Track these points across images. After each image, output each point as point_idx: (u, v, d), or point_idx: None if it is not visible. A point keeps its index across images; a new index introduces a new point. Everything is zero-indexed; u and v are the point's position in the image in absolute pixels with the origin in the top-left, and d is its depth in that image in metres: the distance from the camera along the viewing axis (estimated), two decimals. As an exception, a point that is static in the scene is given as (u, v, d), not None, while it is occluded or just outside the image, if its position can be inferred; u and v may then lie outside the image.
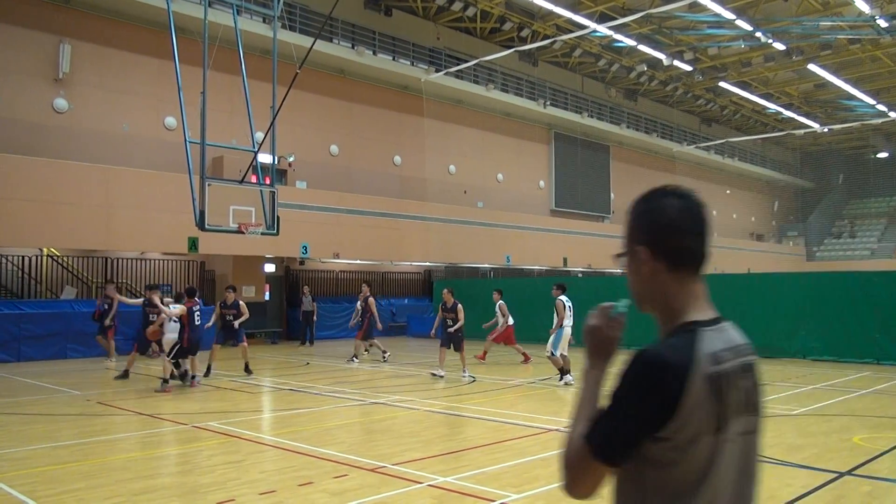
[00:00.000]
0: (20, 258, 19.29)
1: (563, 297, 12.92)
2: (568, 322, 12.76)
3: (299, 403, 11.27)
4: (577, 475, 1.65)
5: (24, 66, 19.39)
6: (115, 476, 6.67)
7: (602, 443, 1.61)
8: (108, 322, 16.52)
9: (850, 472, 6.61)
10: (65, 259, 20.41)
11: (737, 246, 44.06)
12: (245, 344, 14.60)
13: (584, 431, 1.64)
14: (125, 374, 13.83)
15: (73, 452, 7.76)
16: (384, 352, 17.41)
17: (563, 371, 12.72)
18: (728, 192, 48.02)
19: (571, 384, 12.41)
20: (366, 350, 17.92)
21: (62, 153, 19.33)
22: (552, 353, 12.71)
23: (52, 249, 19.89)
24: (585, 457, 1.63)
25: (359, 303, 17.33)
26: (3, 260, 19.30)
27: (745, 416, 1.68)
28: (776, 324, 17.52)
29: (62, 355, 17.40)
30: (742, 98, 40.01)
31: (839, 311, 16.67)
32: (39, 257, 19.80)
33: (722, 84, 37.27)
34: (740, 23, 27.47)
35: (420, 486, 6.19)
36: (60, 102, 19.87)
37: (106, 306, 16.50)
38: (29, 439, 8.42)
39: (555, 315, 12.85)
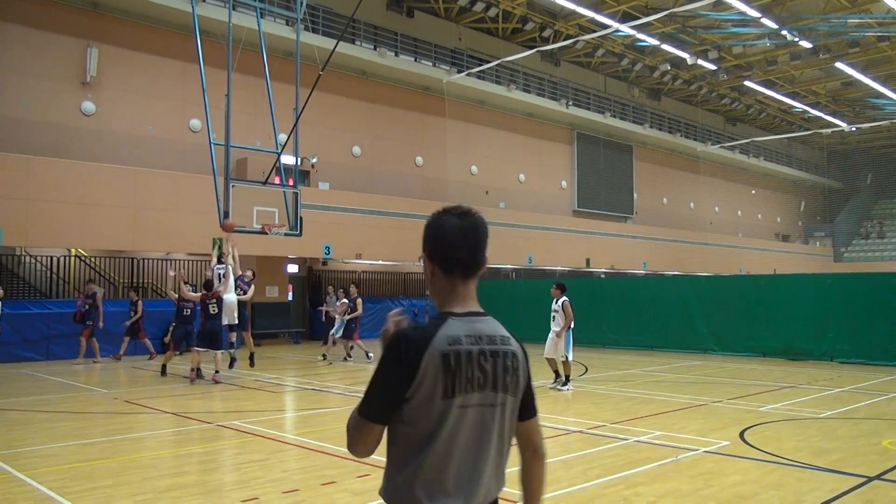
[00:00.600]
0: (48, 258, 19.61)
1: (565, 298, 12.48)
2: (572, 324, 12.35)
3: (323, 403, 11.34)
4: (353, 435, 2.10)
5: (53, 71, 19.72)
6: (141, 473, 6.76)
7: (363, 403, 2.06)
8: (89, 322, 16.46)
9: (879, 477, 6.51)
10: (92, 259, 20.71)
11: (762, 247, 43.59)
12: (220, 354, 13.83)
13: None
14: (163, 371, 14.40)
15: (102, 449, 7.87)
16: (349, 356, 17.49)
17: (568, 377, 12.31)
18: (753, 192, 47.51)
19: (570, 391, 12.07)
20: (347, 353, 17.63)
21: (89, 155, 19.63)
22: (567, 358, 12.21)
23: (80, 250, 20.19)
24: (355, 417, 2.09)
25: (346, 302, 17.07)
26: (32, 260, 19.64)
27: (484, 392, 2.08)
28: (803, 326, 17.29)
29: (89, 354, 17.65)
30: (767, 97, 39.58)
31: (867, 312, 16.38)
32: (67, 258, 20.12)
33: (747, 83, 36.87)
34: (766, 21, 27.16)
35: (442, 486, 6.20)
36: (88, 105, 20.17)
37: (87, 307, 16.40)
38: (58, 436, 8.57)
39: (560, 317, 12.27)
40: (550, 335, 12.29)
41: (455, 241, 2.18)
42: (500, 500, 2.25)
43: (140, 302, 17.63)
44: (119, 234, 18.67)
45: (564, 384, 12.22)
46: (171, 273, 16.03)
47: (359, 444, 2.10)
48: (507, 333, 2.19)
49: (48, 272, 19.71)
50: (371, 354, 16.77)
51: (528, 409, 2.27)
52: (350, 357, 17.53)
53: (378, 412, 2.05)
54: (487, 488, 2.13)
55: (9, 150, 18.05)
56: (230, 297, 14.20)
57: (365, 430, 2.07)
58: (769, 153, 47.05)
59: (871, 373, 14.78)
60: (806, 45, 29.95)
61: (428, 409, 2.01)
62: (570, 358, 12.27)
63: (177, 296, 14.95)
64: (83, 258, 20.51)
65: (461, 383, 2.03)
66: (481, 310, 2.19)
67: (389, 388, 2.02)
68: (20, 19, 19.23)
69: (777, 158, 47.93)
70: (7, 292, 17.98)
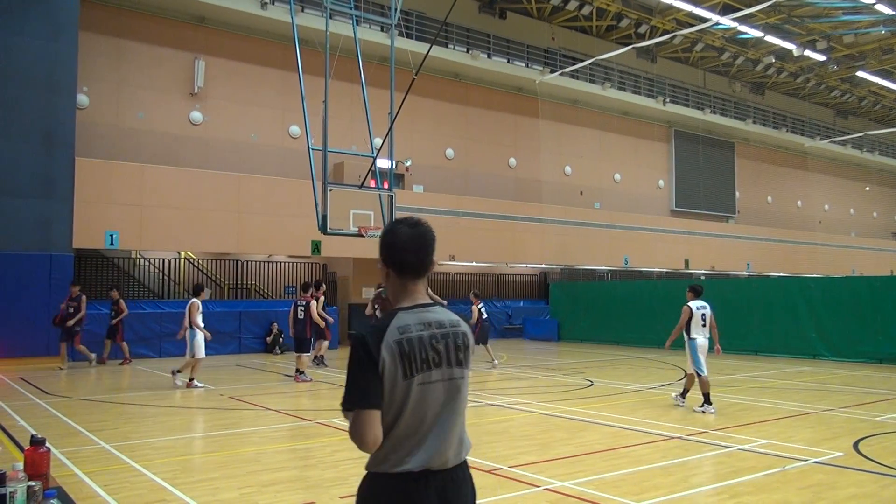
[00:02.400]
0: (161, 261, 20.74)
1: (693, 303, 10.61)
2: (698, 333, 10.40)
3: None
4: (357, 431, 2.35)
5: (164, 83, 20.85)
6: (246, 467, 7.03)
7: (352, 397, 2.38)
8: (73, 325, 15.44)
9: None
10: (199, 262, 21.75)
11: (877, 247, 41.07)
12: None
13: None
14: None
15: (209, 443, 8.25)
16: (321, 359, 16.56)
17: (706, 396, 10.32)
18: (867, 188, 44.81)
19: (704, 412, 10.14)
20: None
21: (197, 162, 20.65)
22: (699, 374, 10.32)
23: (189, 253, 21.24)
24: (353, 415, 2.37)
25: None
26: (146, 262, 20.82)
27: (441, 368, 2.47)
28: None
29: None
30: (883, 87, 37.24)
31: None
32: (177, 260, 21.21)
33: (860, 73, 34.81)
34: (881, 7, 25.57)
35: (537, 489, 6.15)
36: (196, 115, 21.22)
37: (72, 310, 15.45)
38: (170, 430, 9.04)
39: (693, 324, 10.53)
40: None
41: (406, 247, 2.57)
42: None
43: (122, 302, 16.75)
44: (225, 238, 19.53)
45: (702, 405, 10.29)
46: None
47: (366, 434, 2.35)
48: (455, 317, 2.61)
49: (160, 274, 20.85)
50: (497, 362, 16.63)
51: None
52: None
53: (369, 398, 2.37)
54: (458, 448, 2.52)
55: (124, 159, 19.23)
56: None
57: (365, 419, 2.36)
58: (885, 147, 44.25)
59: None
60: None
61: (394, 390, 2.39)
62: (705, 374, 10.31)
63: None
64: (192, 260, 21.58)
65: (417, 364, 2.42)
66: (430, 302, 2.60)
67: (367, 375, 2.37)
68: (134, 35, 20.45)
69: (894, 153, 45.01)
70: (123, 293, 19.14)
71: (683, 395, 10.81)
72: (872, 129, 41.95)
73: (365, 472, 2.47)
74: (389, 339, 2.40)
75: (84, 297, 15.68)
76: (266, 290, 22.66)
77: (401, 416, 2.40)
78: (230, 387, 13.10)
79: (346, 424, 2.44)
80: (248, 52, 22.23)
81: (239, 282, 21.72)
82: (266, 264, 22.43)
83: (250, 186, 20.09)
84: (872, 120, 44.29)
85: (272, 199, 20.19)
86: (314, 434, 8.89)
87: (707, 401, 10.26)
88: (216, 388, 12.92)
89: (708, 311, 10.55)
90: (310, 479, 6.64)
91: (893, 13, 26.10)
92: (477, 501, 2.60)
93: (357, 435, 2.37)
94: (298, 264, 22.67)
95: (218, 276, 21.96)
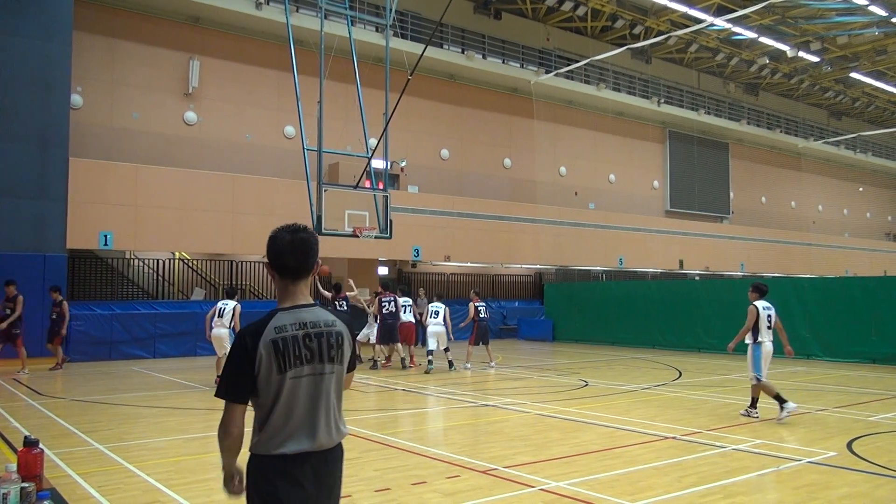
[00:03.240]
0: (155, 261, 20.69)
1: (759, 303, 9.91)
2: (764, 337, 9.74)
3: (411, 403, 11.47)
4: (222, 421, 2.76)
5: (158, 83, 20.81)
6: (240, 468, 7.00)
7: (222, 388, 2.75)
8: (13, 328, 14.31)
9: None
10: (194, 262, 21.71)
11: (870, 247, 41.22)
12: None
13: None
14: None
15: (204, 444, 8.23)
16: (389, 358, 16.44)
17: (754, 400, 9.85)
18: (861, 189, 44.98)
19: (789, 413, 9.42)
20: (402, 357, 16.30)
21: (191, 163, 20.61)
22: (758, 379, 9.69)
23: (183, 253, 21.20)
24: (221, 403, 2.75)
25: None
26: (140, 263, 20.76)
27: (312, 364, 2.79)
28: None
29: (192, 353, 18.47)
30: (876, 89, 37.38)
31: None
32: (172, 261, 21.17)
33: (853, 74, 34.94)
34: (874, 8, 25.68)
35: (532, 489, 6.16)
36: (190, 115, 21.19)
37: (8, 311, 14.32)
38: (165, 431, 9.02)
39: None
40: None
41: (284, 251, 2.86)
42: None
43: (65, 303, 15.51)
44: (220, 238, 19.50)
45: (747, 408, 9.86)
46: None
47: (231, 426, 2.75)
48: (331, 318, 2.90)
49: (154, 274, 20.80)
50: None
51: (350, 366, 3.02)
52: (452, 365, 15.76)
53: (238, 393, 2.73)
54: (327, 434, 2.82)
55: (118, 159, 19.19)
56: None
57: (232, 412, 2.74)
58: (878, 148, 44.42)
59: None
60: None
61: (269, 383, 2.71)
62: (763, 377, 9.65)
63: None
64: (186, 261, 21.53)
65: (290, 360, 2.73)
66: (309, 303, 2.89)
67: (240, 371, 2.71)
68: (128, 35, 20.40)
69: (888, 153, 45.19)
70: (117, 293, 19.07)
71: (753, 405, 9.84)
72: (866, 130, 42.10)
73: (249, 454, 2.80)
74: (266, 337, 2.71)
75: (21, 297, 14.40)
76: (261, 292, 22.63)
77: (275, 405, 2.72)
78: (225, 387, 13.02)
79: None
80: (243, 52, 22.20)
81: (234, 283, 21.67)
82: (261, 265, 22.39)
83: (245, 187, 20.06)
84: (866, 121, 44.46)
85: (267, 200, 20.16)
86: (309, 435, 8.87)
87: (753, 405, 9.76)
88: (211, 388, 12.88)
89: (773, 312, 9.93)
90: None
91: (886, 14, 26.21)
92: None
93: (223, 425, 2.75)
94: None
95: (212, 277, 21.92)
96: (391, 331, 15.53)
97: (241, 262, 22.01)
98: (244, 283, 22.22)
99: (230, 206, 19.64)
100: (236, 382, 2.72)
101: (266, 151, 22.39)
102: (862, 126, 43.47)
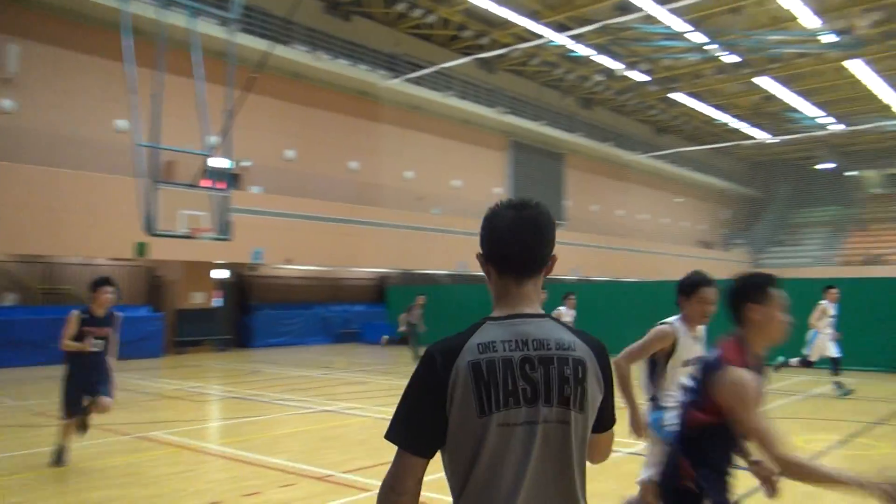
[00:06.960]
0: (-39, 262, 18.70)
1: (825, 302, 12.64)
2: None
3: (247, 412, 11.16)
4: (387, 474, 1.85)
5: (-32, 65, 18.83)
6: (55, 488, 6.52)
7: (393, 429, 1.82)
8: None
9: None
10: (4, 264, 19.83)
11: (685, 253, 44.88)
12: None
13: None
14: None
15: (14, 464, 7.56)
16: None
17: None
18: (680, 200, 49.01)
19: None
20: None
21: (7, 155, 18.79)
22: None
23: (-5, 253, 19.31)
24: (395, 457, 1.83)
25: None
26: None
27: (537, 407, 1.78)
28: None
29: (3, 363, 16.89)
30: (693, 109, 40.93)
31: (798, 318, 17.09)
32: (-19, 261, 19.22)
33: (672, 95, 38.04)
34: (690, 36, 28.13)
35: (369, 493, 6.19)
36: (7, 103, 19.35)
37: None
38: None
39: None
40: None
41: (505, 236, 1.94)
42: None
43: None
44: (35, 238, 17.87)
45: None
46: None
47: (398, 484, 1.82)
48: (569, 337, 1.86)
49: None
50: None
51: (602, 421, 1.93)
52: None
53: (415, 438, 1.79)
54: None
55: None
56: None
57: (404, 464, 1.80)
58: (696, 164, 48.60)
59: (784, 375, 15.38)
60: (731, 59, 31.12)
61: (465, 430, 1.76)
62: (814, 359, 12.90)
63: None
64: (-4, 261, 19.62)
65: (498, 397, 1.75)
66: (537, 312, 1.90)
67: (423, 406, 1.79)
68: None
69: (703, 169, 49.56)
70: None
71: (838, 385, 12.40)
72: (685, 147, 45.92)
73: None
74: (465, 357, 1.77)
75: None
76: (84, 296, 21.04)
77: (474, 467, 1.77)
78: (38, 401, 12.04)
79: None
80: (71, 37, 20.52)
81: (52, 286, 20.01)
82: (84, 267, 20.83)
83: (68, 182, 18.55)
84: (685, 138, 48.48)
85: (93, 197, 18.76)
86: (133, 449, 8.39)
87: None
88: (24, 402, 11.85)
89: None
90: (126, 498, 6.27)
91: (703, 42, 28.78)
92: None
93: (387, 480, 1.83)
94: (121, 268, 21.28)
95: (27, 280, 20.11)
96: None
97: (62, 264, 20.36)
98: (65, 287, 20.57)
99: (49, 203, 18.06)
100: (418, 422, 1.80)
101: (94, 145, 20.85)
102: (682, 143, 47.37)
